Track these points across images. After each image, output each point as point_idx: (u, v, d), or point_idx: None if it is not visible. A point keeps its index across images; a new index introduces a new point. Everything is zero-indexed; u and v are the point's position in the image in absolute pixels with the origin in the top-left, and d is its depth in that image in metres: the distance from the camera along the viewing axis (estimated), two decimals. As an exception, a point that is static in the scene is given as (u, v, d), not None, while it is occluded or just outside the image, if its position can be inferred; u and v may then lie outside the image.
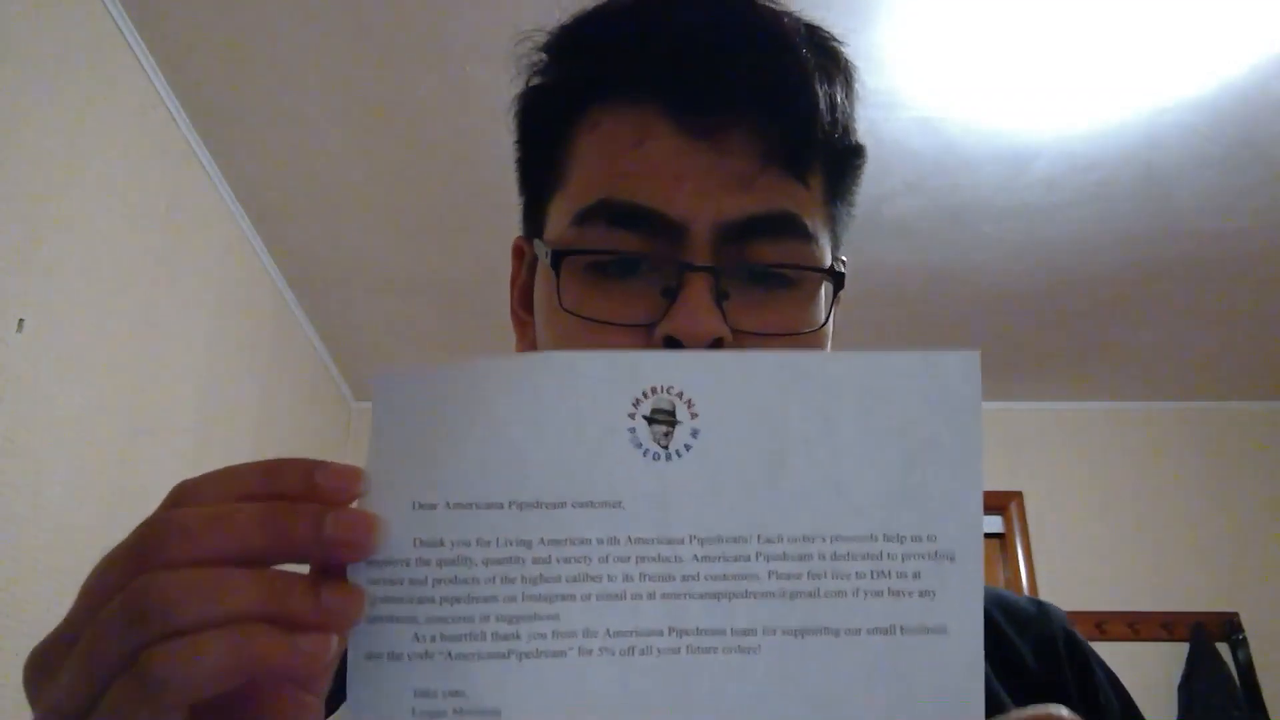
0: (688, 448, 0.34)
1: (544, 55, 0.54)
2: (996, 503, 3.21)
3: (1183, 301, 2.70)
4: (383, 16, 1.77)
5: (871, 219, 2.34)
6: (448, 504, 0.33)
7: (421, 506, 0.33)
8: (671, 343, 0.46)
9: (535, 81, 0.55)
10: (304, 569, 0.32)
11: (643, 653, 0.33)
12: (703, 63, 0.48)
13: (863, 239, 2.41)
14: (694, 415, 0.34)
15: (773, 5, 0.52)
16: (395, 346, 3.01)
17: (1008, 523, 3.18)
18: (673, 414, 0.34)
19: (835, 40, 0.54)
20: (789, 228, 0.49)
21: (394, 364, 0.36)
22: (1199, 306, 2.73)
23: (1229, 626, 2.97)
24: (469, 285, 2.62)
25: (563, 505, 0.33)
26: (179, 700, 0.28)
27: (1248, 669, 2.89)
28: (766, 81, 0.49)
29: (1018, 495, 3.20)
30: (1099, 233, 2.41)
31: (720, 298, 0.47)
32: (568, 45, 0.54)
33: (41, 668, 0.31)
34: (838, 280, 0.51)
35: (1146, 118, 2.02)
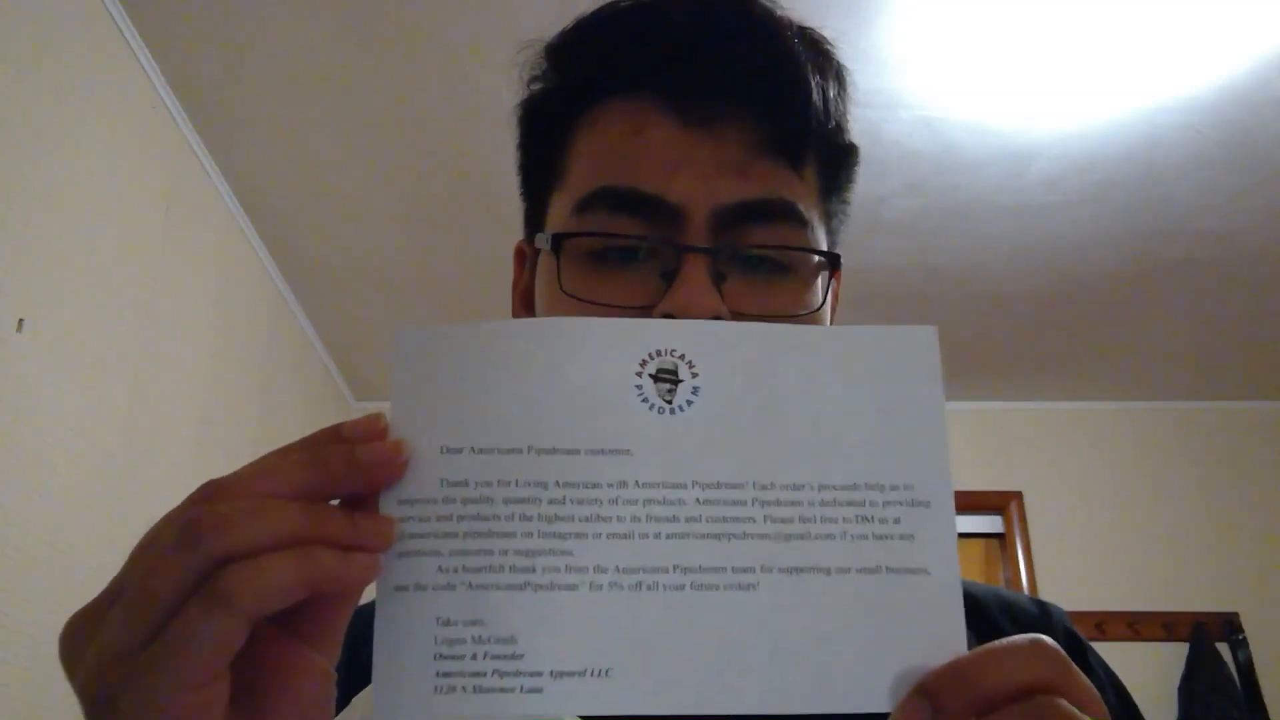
0: (689, 403, 0.37)
1: (544, 62, 0.56)
2: (996, 503, 3.21)
3: (1183, 301, 2.70)
4: (383, 16, 1.77)
5: (871, 219, 2.34)
6: (472, 449, 0.36)
7: (449, 450, 0.36)
8: None
9: (535, 88, 0.56)
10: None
11: (649, 588, 0.35)
12: (698, 56, 0.49)
13: (863, 239, 2.41)
14: (695, 375, 0.37)
15: (766, 5, 0.53)
16: (395, 346, 3.00)
17: (1008, 523, 3.18)
18: (676, 373, 0.37)
19: (828, 42, 0.55)
20: (784, 213, 0.50)
21: (413, 323, 0.38)
22: (1199, 306, 2.73)
23: (1229, 626, 2.97)
24: (469, 285, 2.62)
25: (577, 452, 0.36)
26: (253, 613, 0.30)
27: (1248, 669, 2.89)
28: (761, 72, 0.50)
29: (1018, 495, 3.20)
30: (1099, 233, 2.41)
31: (718, 279, 0.48)
32: (566, 50, 0.55)
33: (85, 625, 0.32)
34: (833, 261, 0.52)
35: (1146, 118, 2.02)
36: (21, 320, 1.49)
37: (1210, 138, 2.07)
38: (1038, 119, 2.03)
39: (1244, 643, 2.94)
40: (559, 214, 0.53)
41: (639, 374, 0.37)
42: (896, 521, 0.37)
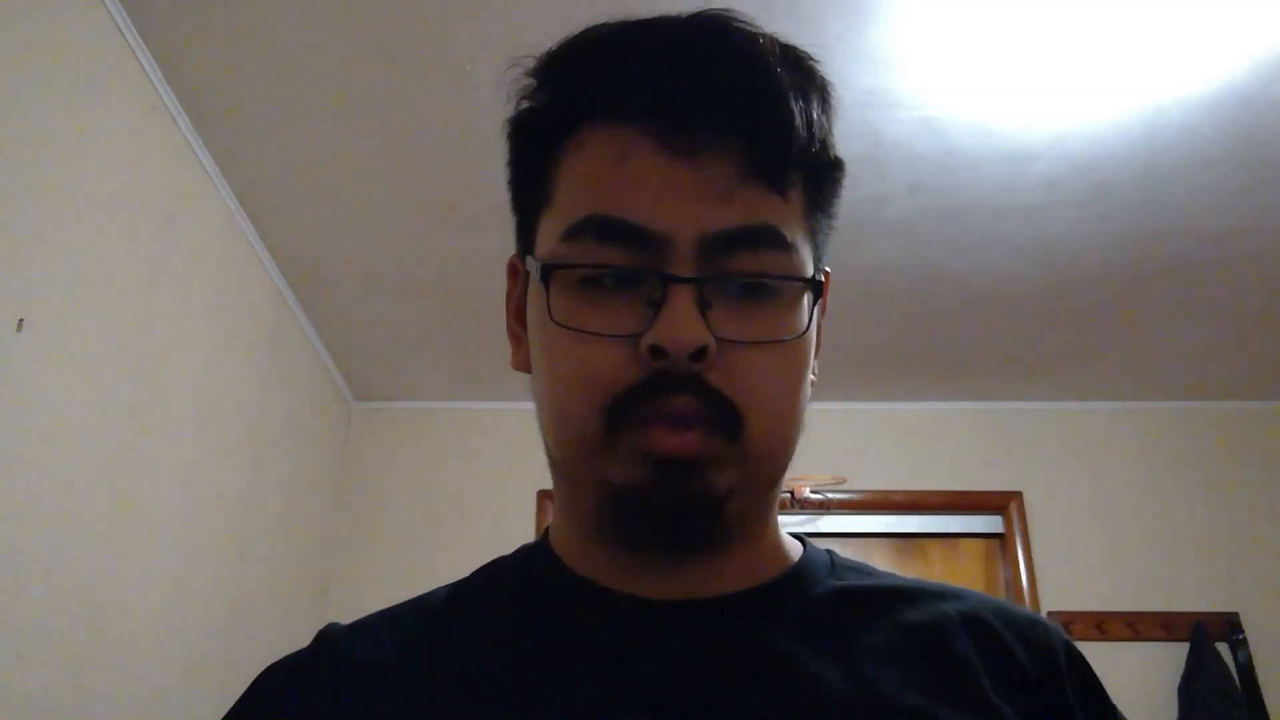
0: None
1: (532, 80, 0.57)
2: (996, 503, 3.20)
3: (1183, 301, 2.70)
4: (383, 17, 1.77)
5: (871, 219, 2.34)
6: None
7: None
8: (657, 352, 0.48)
9: (524, 106, 0.57)
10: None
11: None
12: (681, 84, 0.51)
13: (863, 239, 2.41)
14: None
15: (749, 27, 0.54)
16: (395, 346, 3.01)
17: (1008, 523, 3.18)
18: None
19: (810, 59, 0.56)
20: (768, 239, 0.51)
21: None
22: (1199, 306, 2.73)
23: (1229, 626, 2.96)
24: (469, 285, 2.62)
25: None
26: None
27: (1248, 669, 2.89)
28: (743, 100, 0.51)
29: (1018, 495, 3.20)
30: (1099, 233, 2.41)
31: (704, 307, 0.49)
32: (554, 71, 0.56)
33: None
34: (816, 289, 0.53)
35: (1146, 118, 2.02)
36: (21, 320, 1.49)
37: (1210, 138, 2.07)
38: (1038, 119, 2.03)
39: (1244, 643, 2.94)
40: (547, 237, 0.54)
41: None
42: None
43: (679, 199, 0.50)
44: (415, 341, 2.97)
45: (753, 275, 0.51)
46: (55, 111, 1.58)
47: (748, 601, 0.55)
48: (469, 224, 2.35)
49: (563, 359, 0.52)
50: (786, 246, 0.52)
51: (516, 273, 0.61)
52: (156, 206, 1.93)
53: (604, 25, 0.55)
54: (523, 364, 0.60)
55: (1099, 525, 3.17)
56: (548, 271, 0.52)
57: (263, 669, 0.60)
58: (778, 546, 0.60)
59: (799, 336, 0.53)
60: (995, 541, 3.20)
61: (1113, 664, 2.93)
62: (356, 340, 2.96)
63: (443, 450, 3.30)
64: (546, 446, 0.58)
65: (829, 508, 3.07)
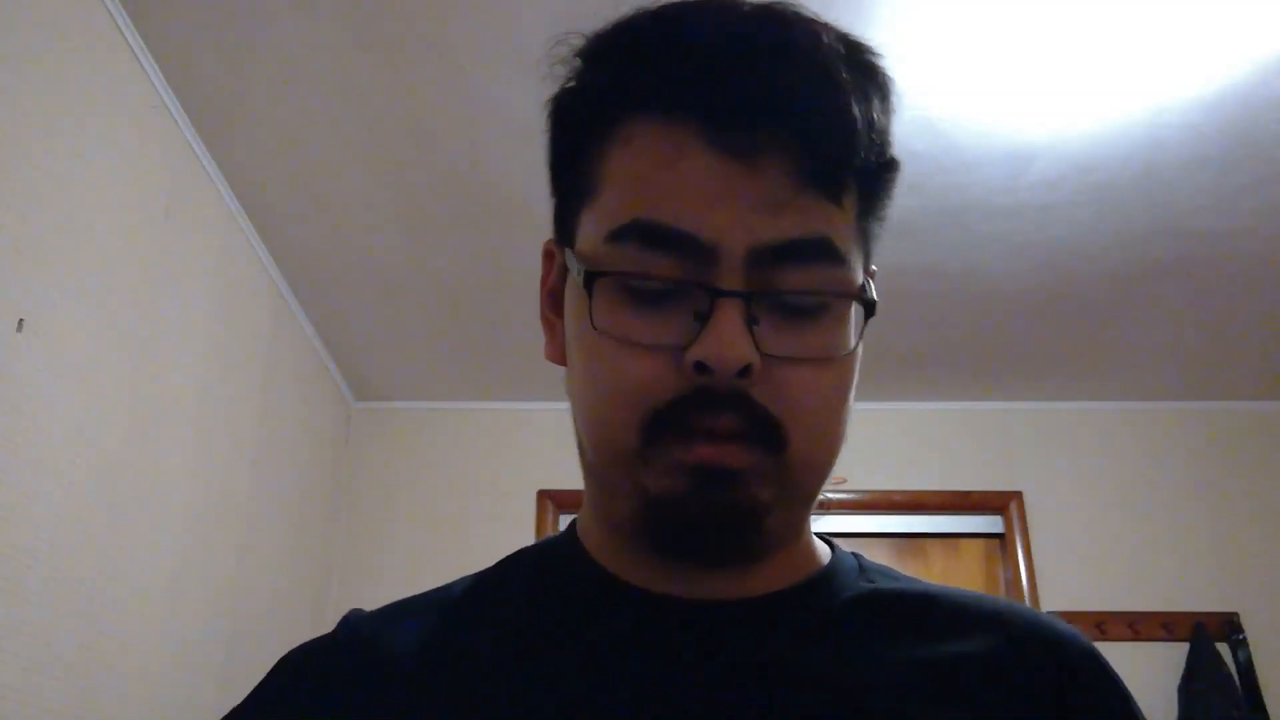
0: None
1: (580, 60, 0.54)
2: (996, 503, 3.20)
3: (1183, 301, 2.70)
4: (384, 16, 1.77)
5: (871, 219, 2.34)
6: None
7: None
8: (702, 368, 0.47)
9: (570, 85, 0.54)
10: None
11: None
12: (740, 82, 0.48)
13: (863, 239, 2.41)
14: None
15: (810, 20, 0.51)
16: (395, 346, 3.01)
17: (1008, 523, 3.18)
18: None
19: (873, 53, 0.53)
20: (821, 252, 0.49)
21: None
22: (1199, 306, 2.72)
23: (1229, 626, 2.96)
24: (469, 285, 2.62)
25: None
26: None
27: (1248, 669, 2.89)
28: (804, 103, 0.48)
29: (1018, 495, 3.20)
30: (1099, 233, 2.41)
31: (751, 322, 0.47)
32: (604, 54, 0.53)
33: None
34: (869, 307, 0.51)
35: (1146, 118, 2.02)
36: (21, 320, 1.49)
37: (1210, 138, 2.07)
38: (1038, 119, 2.02)
39: (1244, 643, 2.93)
40: (590, 235, 0.52)
41: None
42: None
43: (731, 207, 0.48)
44: (415, 341, 2.97)
45: (804, 293, 0.49)
46: (55, 111, 1.58)
47: (776, 604, 0.55)
48: (469, 224, 2.35)
49: (603, 366, 0.50)
50: (839, 260, 0.50)
51: (553, 259, 0.59)
52: (156, 207, 1.93)
53: (660, 7, 0.52)
54: (557, 355, 0.58)
55: (1099, 525, 3.17)
56: (591, 278, 0.50)
57: (283, 654, 0.60)
58: (808, 549, 0.59)
59: (847, 354, 0.51)
60: (995, 541, 3.20)
61: (1113, 664, 2.92)
62: (356, 340, 2.96)
63: (443, 450, 3.29)
64: (581, 447, 0.56)
65: (829, 508, 3.05)
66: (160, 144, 1.94)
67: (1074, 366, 3.10)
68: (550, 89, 0.56)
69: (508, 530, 3.10)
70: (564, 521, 3.59)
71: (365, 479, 3.24)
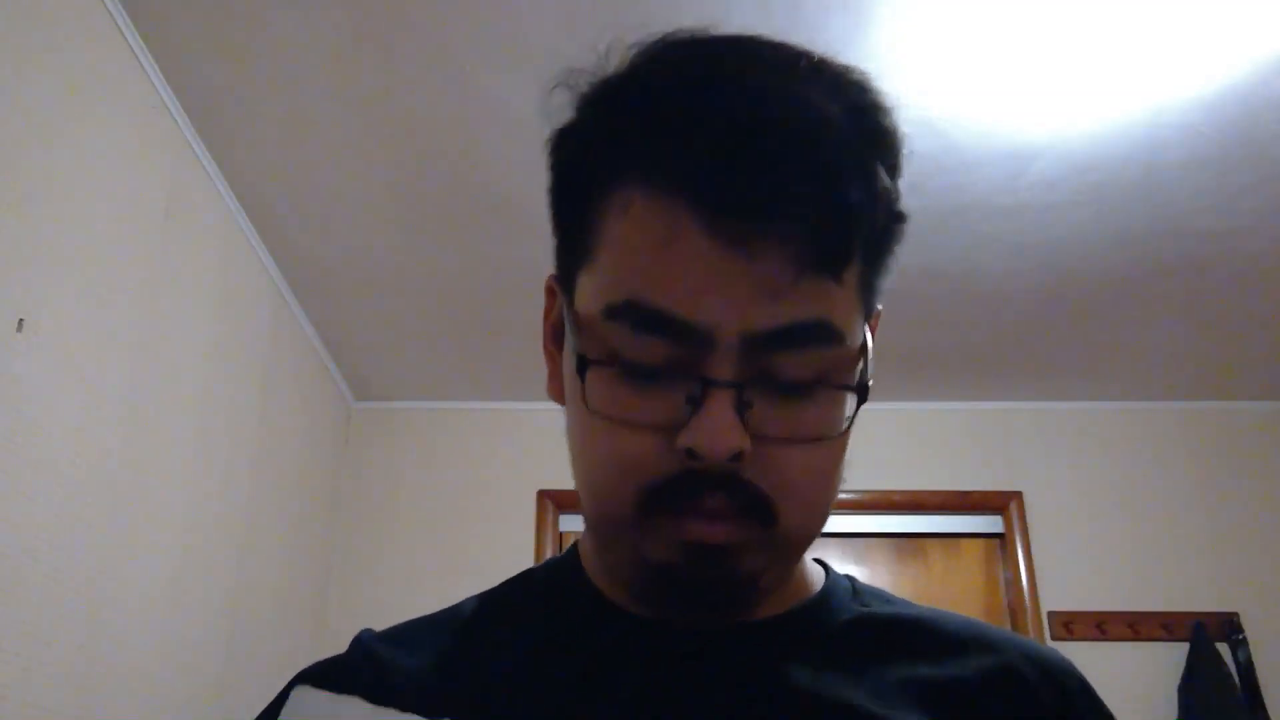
0: None
1: (583, 108, 0.53)
2: (996, 503, 3.20)
3: (1183, 301, 2.70)
4: (383, 17, 1.77)
5: (871, 219, 2.34)
6: None
7: None
8: (693, 453, 0.47)
9: (575, 130, 0.54)
10: None
11: None
12: (739, 165, 0.46)
13: (863, 239, 2.41)
14: None
15: (821, 88, 0.49)
16: (395, 346, 3.01)
17: (1008, 523, 3.18)
18: None
19: (882, 111, 0.51)
20: (818, 335, 0.49)
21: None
22: (1199, 306, 2.73)
23: (1229, 626, 2.96)
24: (469, 285, 2.62)
25: None
26: None
27: (1248, 669, 2.89)
28: (806, 189, 0.47)
29: (1018, 495, 3.20)
30: (1099, 233, 2.41)
31: (743, 407, 0.47)
32: (610, 108, 0.52)
33: None
34: (862, 392, 0.51)
35: (1146, 118, 2.02)
36: (21, 320, 1.49)
37: (1210, 138, 2.07)
38: (1038, 119, 2.03)
39: (1244, 643, 2.93)
40: (587, 301, 0.51)
41: None
42: None
43: (726, 294, 0.47)
44: (415, 341, 2.97)
45: (796, 381, 0.49)
46: (56, 111, 1.58)
47: (771, 629, 0.56)
48: (469, 224, 2.35)
49: (598, 441, 0.51)
50: (837, 339, 0.49)
51: (554, 296, 0.58)
52: (156, 207, 1.93)
53: (662, 73, 0.51)
54: (557, 394, 0.59)
55: (1099, 525, 3.17)
56: (584, 364, 0.50)
57: (294, 675, 0.60)
58: (802, 575, 0.61)
59: (840, 435, 0.51)
60: (995, 541, 3.20)
61: (1113, 664, 2.93)
62: (356, 340, 2.96)
63: (443, 450, 3.29)
64: (581, 504, 0.57)
65: (829, 508, 3.06)
66: (160, 144, 1.94)
67: (1074, 366, 3.10)
68: (556, 93, 0.54)
69: (508, 530, 3.11)
70: (564, 521, 3.58)
71: (365, 479, 3.24)
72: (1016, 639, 0.60)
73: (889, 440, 3.26)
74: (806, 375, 0.49)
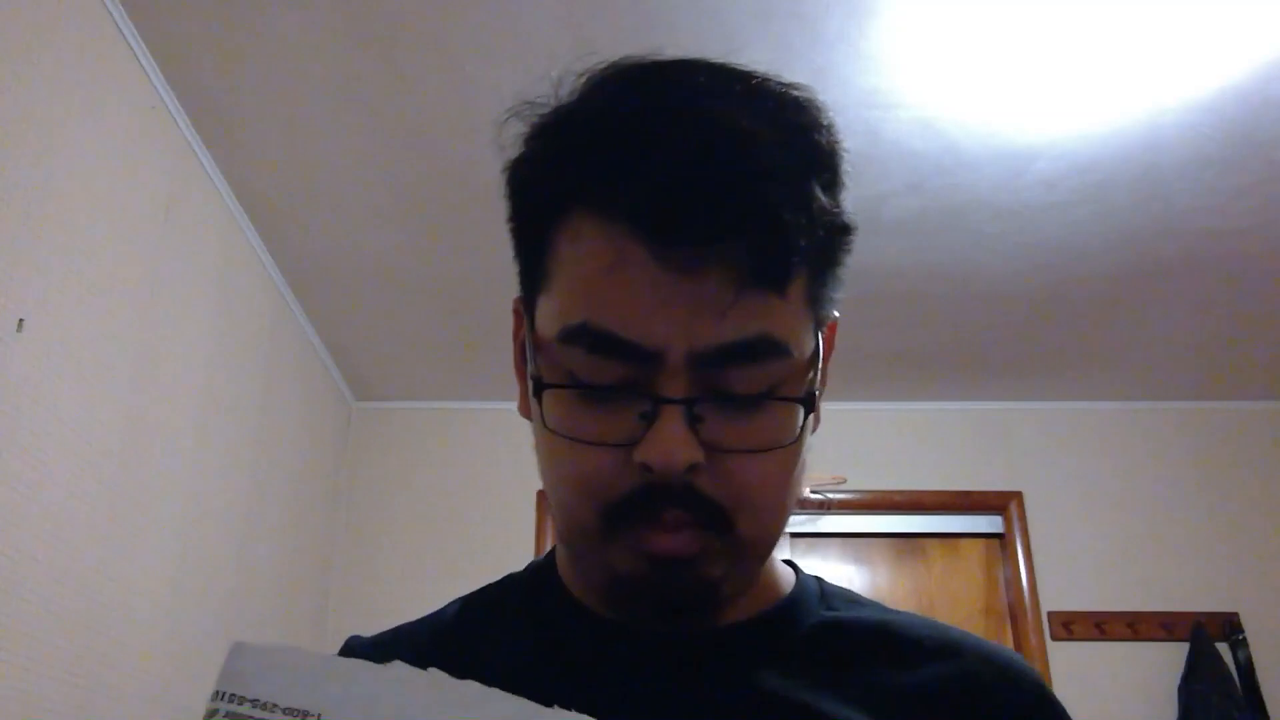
0: None
1: (532, 139, 0.56)
2: (996, 503, 3.21)
3: (1182, 301, 2.70)
4: (383, 16, 1.77)
5: (871, 219, 2.34)
6: None
7: None
8: (647, 468, 0.50)
9: (525, 162, 0.56)
10: None
11: None
12: (678, 192, 0.49)
13: (862, 239, 2.40)
14: None
15: (749, 120, 0.51)
16: (395, 346, 3.01)
17: (1008, 523, 3.18)
18: None
19: (817, 122, 0.54)
20: (762, 350, 0.51)
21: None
22: (1199, 306, 2.73)
23: (1229, 626, 2.97)
24: (469, 285, 2.62)
25: None
26: None
27: (1248, 669, 2.89)
28: (741, 211, 0.49)
29: (1018, 495, 3.20)
30: (1099, 233, 2.41)
31: (695, 421, 0.50)
32: (554, 140, 0.55)
33: None
34: (808, 404, 0.53)
35: (1146, 118, 2.02)
36: (21, 320, 1.49)
37: (1210, 138, 2.07)
38: (1038, 119, 2.03)
39: (1244, 643, 2.94)
40: (545, 325, 0.54)
41: None
42: None
43: (671, 315, 0.49)
44: (415, 341, 2.97)
45: (746, 393, 0.51)
46: (56, 111, 1.58)
47: (740, 634, 0.58)
48: (469, 224, 2.35)
49: (560, 460, 0.54)
50: (782, 352, 0.51)
51: (521, 316, 0.61)
52: (156, 207, 1.93)
53: (609, 93, 0.53)
54: (528, 413, 0.60)
55: (1099, 525, 3.17)
56: (540, 387, 0.53)
57: None
58: (770, 580, 0.62)
59: (793, 442, 0.53)
60: (995, 541, 3.20)
61: (1113, 664, 2.93)
62: (356, 340, 2.96)
63: (443, 450, 3.30)
64: (553, 517, 0.60)
65: (829, 508, 3.07)
66: (160, 144, 1.94)
67: (1074, 366, 3.10)
68: (509, 124, 0.57)
69: (507, 530, 3.11)
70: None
71: (365, 479, 3.24)
72: (978, 643, 0.62)
73: (889, 440, 3.26)
74: (755, 388, 0.51)
